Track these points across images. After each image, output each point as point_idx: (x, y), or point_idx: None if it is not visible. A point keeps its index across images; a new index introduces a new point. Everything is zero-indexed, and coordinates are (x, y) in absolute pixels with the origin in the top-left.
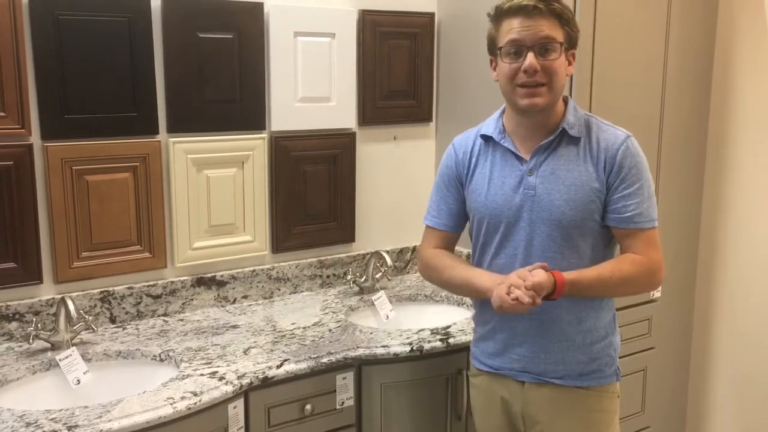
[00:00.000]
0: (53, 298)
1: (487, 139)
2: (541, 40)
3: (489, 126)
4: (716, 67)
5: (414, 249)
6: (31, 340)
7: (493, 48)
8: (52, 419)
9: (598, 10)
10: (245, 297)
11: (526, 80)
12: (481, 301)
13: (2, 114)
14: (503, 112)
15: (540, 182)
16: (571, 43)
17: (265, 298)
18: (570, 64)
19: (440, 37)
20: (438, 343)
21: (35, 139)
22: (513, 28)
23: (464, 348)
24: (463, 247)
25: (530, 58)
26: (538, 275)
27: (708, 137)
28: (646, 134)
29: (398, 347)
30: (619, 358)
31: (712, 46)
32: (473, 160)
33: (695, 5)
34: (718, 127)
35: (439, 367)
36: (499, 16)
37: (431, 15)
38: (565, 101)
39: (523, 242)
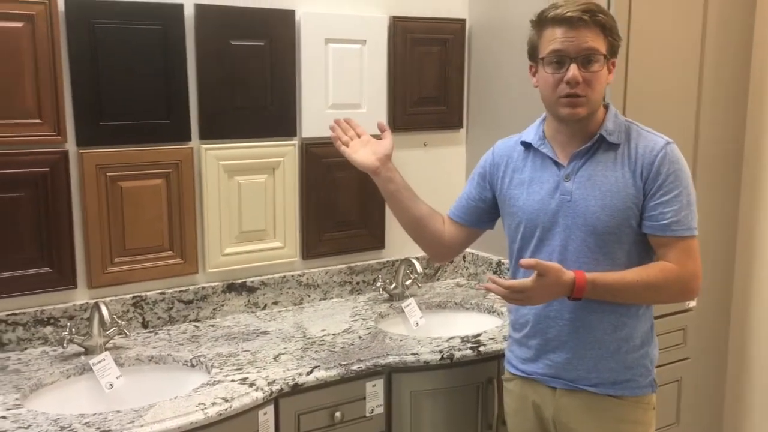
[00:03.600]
0: (87, 303)
1: (527, 145)
2: (584, 51)
3: (530, 132)
4: (753, 73)
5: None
6: (65, 345)
7: (534, 55)
8: (85, 423)
9: (632, 18)
10: (275, 303)
11: (568, 91)
12: (516, 307)
13: (39, 121)
14: (545, 118)
15: (576, 188)
16: (613, 52)
17: (295, 305)
18: (610, 72)
19: (471, 43)
20: (468, 351)
21: (71, 145)
22: (556, 38)
23: (495, 356)
24: (492, 254)
25: (573, 70)
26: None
27: (745, 145)
28: (682, 142)
29: (428, 355)
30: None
31: (749, 52)
32: (511, 165)
33: (732, 12)
34: (754, 135)
35: (470, 375)
36: (542, 23)
37: (462, 21)
38: (606, 107)
39: (558, 247)
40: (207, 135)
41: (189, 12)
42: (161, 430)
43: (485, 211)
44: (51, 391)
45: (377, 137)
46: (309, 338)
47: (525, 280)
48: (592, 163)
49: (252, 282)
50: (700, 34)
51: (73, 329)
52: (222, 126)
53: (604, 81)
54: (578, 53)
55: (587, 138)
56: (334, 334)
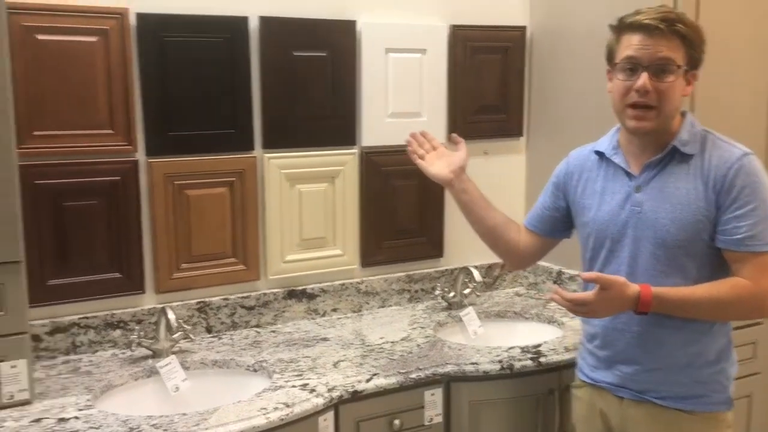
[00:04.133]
0: (154, 308)
1: (600, 155)
2: (658, 60)
3: (604, 142)
4: None
5: (503, 265)
6: (133, 348)
7: (611, 59)
8: (153, 425)
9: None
10: (335, 310)
11: (636, 100)
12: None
13: (111, 131)
14: (619, 128)
15: (647, 199)
16: (693, 64)
17: (354, 312)
18: (689, 84)
19: (532, 50)
20: (528, 362)
21: (140, 155)
22: (632, 44)
23: (556, 368)
24: (552, 263)
25: (644, 78)
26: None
27: None
28: (751, 139)
29: (488, 365)
30: None
31: None
32: (585, 175)
33: None
34: None
35: (530, 386)
36: (620, 29)
37: (523, 29)
38: (684, 115)
39: (627, 259)
40: (270, 144)
41: (254, 24)
42: None
43: (559, 221)
44: (120, 392)
45: (452, 148)
46: (368, 345)
47: (587, 293)
48: (664, 175)
49: (312, 289)
50: None
51: (141, 333)
52: (284, 135)
53: (678, 93)
54: (651, 62)
55: (660, 148)
56: (392, 342)
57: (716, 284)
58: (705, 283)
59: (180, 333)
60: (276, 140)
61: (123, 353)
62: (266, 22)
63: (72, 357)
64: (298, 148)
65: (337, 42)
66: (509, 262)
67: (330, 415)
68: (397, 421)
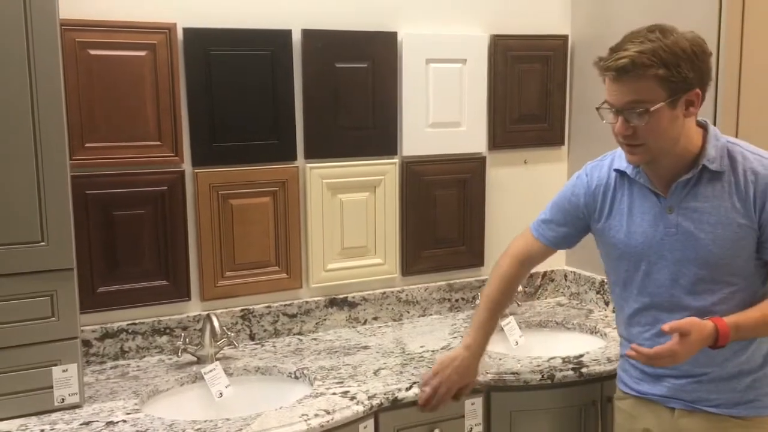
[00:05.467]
0: (200, 315)
1: (621, 173)
2: (627, 105)
3: (622, 159)
4: None
5: (544, 275)
6: (179, 354)
7: None
8: (197, 429)
9: (744, 33)
10: (375, 318)
11: (622, 141)
12: (627, 327)
13: (159, 143)
14: None
15: (683, 220)
16: (676, 91)
17: (394, 320)
18: (691, 105)
19: (573, 59)
20: (570, 372)
21: (187, 166)
22: (608, 88)
23: (598, 378)
24: (595, 273)
25: (619, 123)
26: None
27: None
28: None
29: (528, 374)
30: None
31: None
32: (609, 194)
33: None
34: None
35: (572, 396)
36: (599, 70)
37: (564, 37)
38: (705, 128)
39: (668, 281)
40: (312, 154)
41: (296, 37)
42: None
43: (572, 236)
44: (166, 397)
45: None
46: (408, 354)
47: (669, 344)
48: (696, 194)
49: (353, 297)
50: None
51: (187, 339)
52: (326, 145)
53: (666, 126)
54: (622, 107)
55: (687, 167)
56: (433, 351)
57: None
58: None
59: (224, 340)
60: (318, 150)
61: (169, 359)
62: (308, 34)
63: (120, 362)
64: (339, 158)
65: (378, 53)
66: None
67: (370, 422)
68: (437, 430)
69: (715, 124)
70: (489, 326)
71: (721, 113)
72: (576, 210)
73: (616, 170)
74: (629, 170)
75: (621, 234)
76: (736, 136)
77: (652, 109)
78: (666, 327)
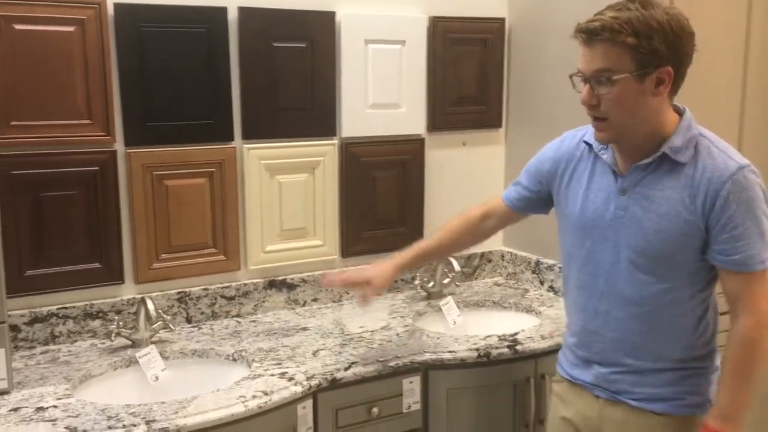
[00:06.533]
0: (134, 298)
1: (590, 146)
2: (593, 73)
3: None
4: None
5: (482, 255)
6: (113, 338)
7: None
8: (131, 413)
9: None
10: (315, 300)
11: (588, 112)
12: (569, 314)
13: (89, 122)
14: None
15: (632, 204)
16: (645, 64)
17: (334, 302)
18: (663, 83)
19: (511, 42)
20: (505, 350)
21: (119, 145)
22: (580, 55)
23: (532, 355)
24: (531, 253)
25: (584, 91)
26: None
27: None
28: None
29: (465, 353)
30: None
31: None
32: (572, 164)
33: None
34: None
35: (507, 373)
36: (576, 35)
37: (502, 20)
38: (682, 114)
39: (607, 264)
40: (249, 135)
41: (233, 15)
42: (203, 421)
43: (535, 202)
44: (99, 382)
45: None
46: (347, 335)
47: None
48: (652, 181)
49: (292, 279)
50: (745, 32)
51: (121, 323)
52: (264, 126)
53: (631, 101)
54: (590, 74)
55: (650, 151)
56: (372, 331)
57: (735, 360)
58: (727, 369)
59: (159, 323)
60: (255, 131)
61: (102, 343)
62: (245, 12)
63: (51, 347)
64: (277, 139)
65: (316, 33)
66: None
67: (309, 403)
68: (375, 409)
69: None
70: (426, 254)
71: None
72: (539, 174)
73: (585, 142)
74: (596, 145)
75: (574, 207)
76: None
77: (615, 77)
78: None
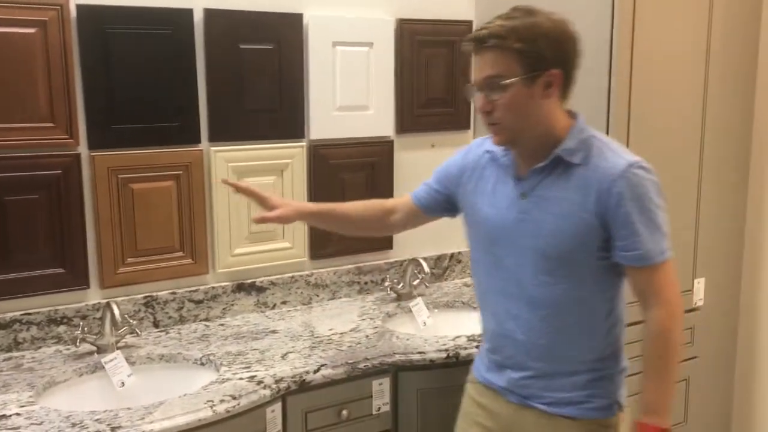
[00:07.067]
0: (99, 303)
1: (492, 154)
2: (483, 80)
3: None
4: (760, 69)
5: (452, 256)
6: (77, 344)
7: None
8: (96, 420)
9: (636, 17)
10: (284, 303)
11: (484, 119)
12: (483, 317)
13: (51, 125)
14: None
15: (532, 207)
16: (533, 68)
17: (303, 304)
18: (551, 86)
19: None
20: (474, 350)
21: (83, 148)
22: (473, 65)
23: None
24: None
25: (478, 99)
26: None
27: (752, 141)
28: (688, 138)
29: (434, 353)
30: None
31: (756, 47)
32: (477, 171)
33: (738, 9)
34: (762, 130)
35: None
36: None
37: (469, 23)
38: (575, 118)
39: (513, 266)
40: (216, 137)
41: (198, 17)
42: (170, 426)
43: (441, 204)
44: (64, 388)
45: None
46: (317, 337)
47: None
48: (548, 183)
49: (261, 282)
50: (706, 29)
51: (86, 328)
52: (231, 128)
53: (522, 104)
54: (480, 82)
55: (546, 154)
56: (341, 333)
57: (652, 352)
58: (647, 363)
59: (125, 328)
60: (222, 133)
61: (67, 349)
62: (211, 14)
63: (14, 354)
64: (245, 142)
65: (283, 35)
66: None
67: (278, 406)
68: (345, 411)
69: (608, 112)
70: (331, 215)
71: (614, 100)
72: (446, 178)
73: (487, 151)
74: (497, 150)
75: (481, 214)
76: (628, 127)
77: (504, 82)
78: None
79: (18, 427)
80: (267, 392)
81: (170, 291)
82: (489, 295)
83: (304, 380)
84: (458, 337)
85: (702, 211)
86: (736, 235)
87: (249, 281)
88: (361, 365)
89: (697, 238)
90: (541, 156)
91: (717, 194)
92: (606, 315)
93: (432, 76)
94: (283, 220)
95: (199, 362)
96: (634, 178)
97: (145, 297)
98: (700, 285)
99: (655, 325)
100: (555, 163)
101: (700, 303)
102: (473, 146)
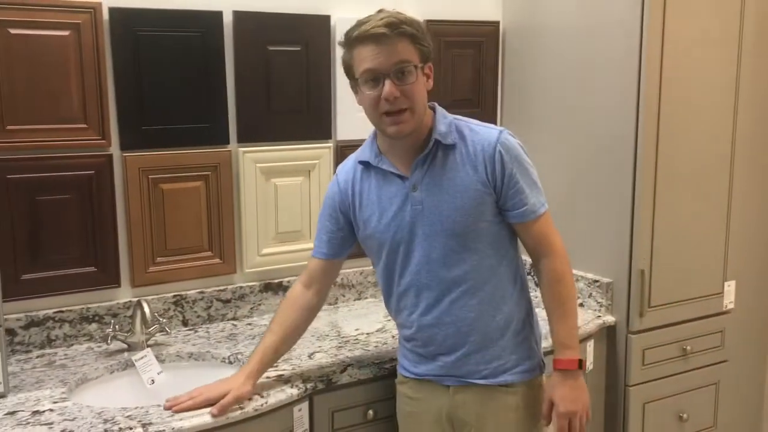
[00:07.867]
0: (130, 301)
1: (365, 164)
2: (395, 65)
3: (365, 151)
4: None
5: None
6: (109, 341)
7: (351, 75)
8: (128, 416)
9: (666, 24)
10: None
11: (388, 108)
12: (401, 323)
13: (84, 126)
14: (376, 134)
15: (426, 196)
16: (424, 59)
17: (330, 304)
18: (429, 78)
19: (505, 45)
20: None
21: (114, 149)
22: (367, 57)
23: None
24: None
25: (388, 86)
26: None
27: None
28: (719, 139)
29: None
30: (691, 371)
31: None
32: (356, 188)
33: None
34: None
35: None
36: (350, 43)
37: (496, 24)
38: (433, 109)
39: (424, 258)
40: (245, 138)
41: (228, 19)
42: (199, 423)
43: (347, 238)
44: (95, 385)
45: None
46: (343, 337)
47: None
48: (435, 168)
49: (288, 282)
50: (737, 35)
51: (117, 326)
52: (259, 129)
53: (422, 91)
54: (390, 69)
55: (423, 145)
56: (367, 334)
57: (551, 297)
58: (549, 304)
59: (155, 326)
60: (251, 134)
61: (99, 347)
62: (240, 16)
63: (47, 351)
64: (273, 142)
65: (311, 37)
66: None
67: (305, 405)
68: (371, 411)
69: (637, 117)
70: (277, 352)
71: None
72: (334, 211)
73: (360, 162)
74: (372, 159)
75: (374, 223)
76: (658, 126)
77: (414, 66)
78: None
79: (51, 423)
80: (294, 391)
81: (199, 290)
82: (405, 295)
83: (330, 380)
84: None
85: (733, 213)
86: (767, 238)
87: (276, 281)
88: (387, 366)
89: (728, 241)
90: (418, 148)
91: (749, 196)
92: (513, 279)
93: (459, 76)
94: (245, 396)
95: (227, 361)
96: (507, 143)
97: (175, 296)
98: (730, 288)
99: (553, 272)
100: (435, 148)
101: (731, 306)
102: (339, 172)
